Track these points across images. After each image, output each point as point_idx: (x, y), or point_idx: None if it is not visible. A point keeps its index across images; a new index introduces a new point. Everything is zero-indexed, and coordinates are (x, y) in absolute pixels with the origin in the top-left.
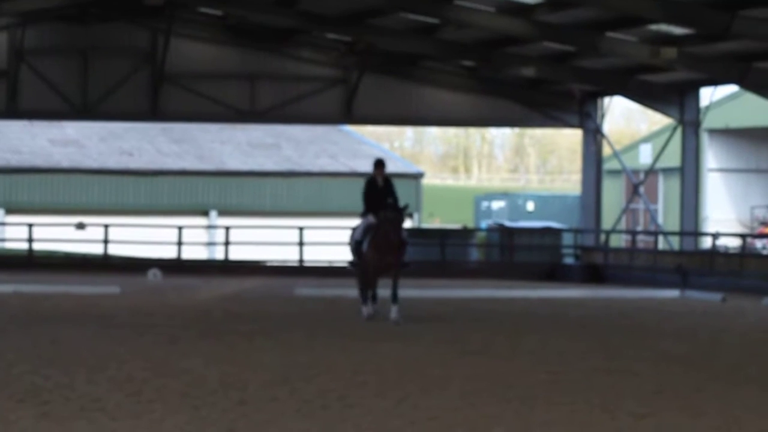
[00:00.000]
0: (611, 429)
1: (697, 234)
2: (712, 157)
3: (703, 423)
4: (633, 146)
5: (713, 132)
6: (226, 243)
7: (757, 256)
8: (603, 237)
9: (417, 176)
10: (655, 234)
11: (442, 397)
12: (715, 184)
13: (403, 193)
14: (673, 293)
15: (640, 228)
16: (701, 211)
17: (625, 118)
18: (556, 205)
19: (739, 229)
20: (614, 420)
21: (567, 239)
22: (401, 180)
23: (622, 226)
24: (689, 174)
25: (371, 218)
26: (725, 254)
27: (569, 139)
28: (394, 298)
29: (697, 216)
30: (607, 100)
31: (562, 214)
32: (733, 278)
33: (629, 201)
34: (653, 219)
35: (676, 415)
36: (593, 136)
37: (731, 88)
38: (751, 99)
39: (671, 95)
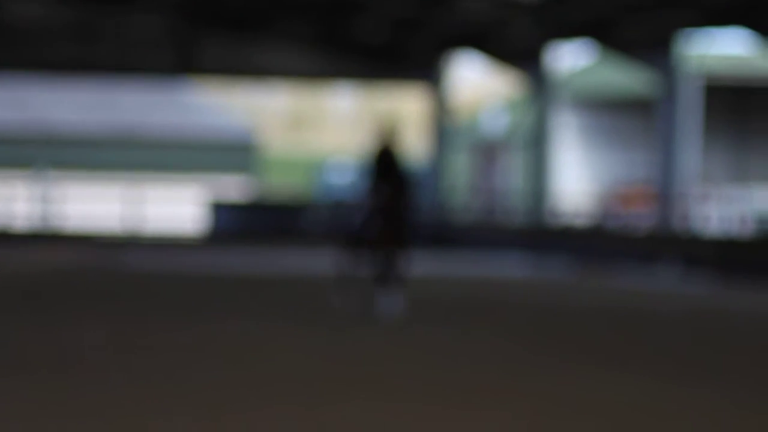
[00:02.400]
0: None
1: (549, 209)
2: (570, 127)
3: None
4: (486, 115)
5: (572, 101)
6: (49, 207)
7: (611, 231)
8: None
9: (255, 146)
10: (503, 209)
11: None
12: (573, 155)
13: (240, 162)
14: (523, 270)
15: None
16: (556, 183)
17: (478, 86)
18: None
19: (597, 202)
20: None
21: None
22: (238, 151)
23: (476, 199)
24: (541, 144)
25: (377, 196)
26: (578, 229)
27: (418, 115)
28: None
29: (546, 188)
30: (460, 63)
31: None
32: (585, 252)
33: (482, 174)
34: (499, 193)
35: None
36: (440, 100)
37: (592, 56)
38: (613, 68)
39: (530, 62)
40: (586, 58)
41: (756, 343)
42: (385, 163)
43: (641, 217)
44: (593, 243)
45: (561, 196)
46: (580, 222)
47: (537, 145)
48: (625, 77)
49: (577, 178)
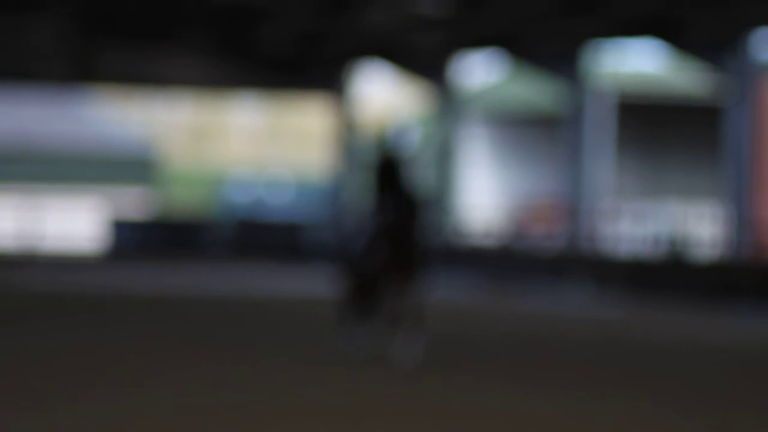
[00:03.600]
0: None
1: (457, 227)
2: (481, 142)
3: None
4: (394, 129)
5: (482, 116)
6: None
7: (520, 250)
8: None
9: (155, 159)
10: None
11: None
12: (482, 170)
13: (139, 176)
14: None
15: None
16: (465, 198)
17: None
18: (309, 191)
19: (506, 219)
20: None
21: (318, 231)
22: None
23: None
24: (449, 159)
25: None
26: (487, 248)
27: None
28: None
29: (454, 205)
30: (367, 77)
31: (313, 204)
32: (494, 272)
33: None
34: None
35: None
36: (345, 114)
37: (502, 70)
38: (524, 83)
39: (438, 75)
40: (497, 73)
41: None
42: (387, 177)
43: (550, 236)
44: (502, 263)
45: (469, 211)
46: (489, 241)
47: (444, 160)
48: (536, 92)
49: (487, 193)
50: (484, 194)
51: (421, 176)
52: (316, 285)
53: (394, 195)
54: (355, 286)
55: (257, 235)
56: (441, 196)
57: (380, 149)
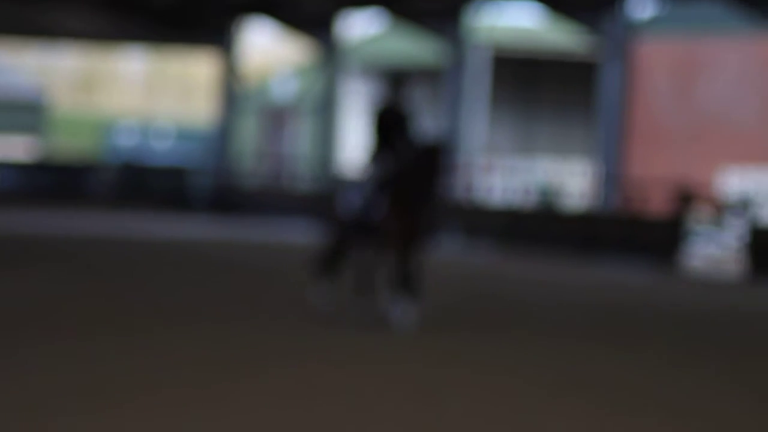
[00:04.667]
0: None
1: (336, 175)
2: (359, 94)
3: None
4: (276, 80)
5: (361, 69)
6: None
7: None
8: (238, 174)
9: (44, 106)
10: (290, 174)
11: None
12: (361, 122)
13: (28, 122)
14: (307, 236)
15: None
16: (343, 150)
17: (269, 52)
18: (193, 140)
19: None
20: None
21: (201, 177)
22: (26, 111)
23: (266, 166)
24: (329, 110)
25: (383, 166)
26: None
27: (208, 80)
28: (406, 287)
29: (333, 155)
30: (251, 28)
31: (197, 151)
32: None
33: (270, 139)
34: (287, 158)
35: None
36: (230, 65)
37: (383, 25)
38: (402, 37)
39: (320, 29)
40: (377, 27)
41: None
42: (390, 127)
43: None
44: None
45: (348, 163)
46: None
47: (325, 111)
48: (414, 46)
49: (364, 145)
50: (363, 146)
51: (301, 126)
52: (198, 228)
53: (396, 148)
54: (337, 242)
55: (142, 180)
56: (217, 143)
57: (385, 97)
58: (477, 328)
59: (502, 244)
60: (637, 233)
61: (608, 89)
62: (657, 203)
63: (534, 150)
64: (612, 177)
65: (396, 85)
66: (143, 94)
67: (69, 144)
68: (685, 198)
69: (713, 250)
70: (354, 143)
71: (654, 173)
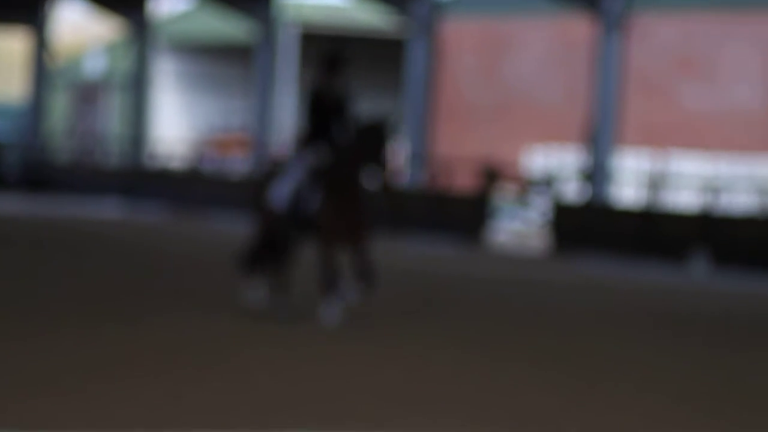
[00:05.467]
0: None
1: (146, 153)
2: (168, 72)
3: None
4: (87, 57)
5: (170, 46)
6: None
7: (207, 175)
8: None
9: None
10: (101, 151)
11: None
12: (170, 100)
13: None
14: (118, 211)
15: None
16: (154, 128)
17: (81, 28)
18: (6, 116)
19: (193, 147)
20: None
21: (12, 153)
22: None
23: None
24: (140, 87)
25: (317, 153)
26: (175, 173)
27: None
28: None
29: (144, 132)
30: (63, 4)
31: (11, 126)
32: (181, 197)
33: (81, 116)
34: (98, 135)
35: None
36: (41, 41)
37: (192, 2)
38: (212, 14)
39: (131, 6)
40: (188, 4)
41: None
42: (325, 111)
43: (237, 163)
44: (189, 187)
45: (158, 140)
46: (177, 166)
47: (135, 88)
48: (224, 24)
49: (175, 123)
50: (173, 123)
51: (111, 103)
52: (8, 204)
53: (332, 133)
54: (265, 234)
55: None
56: (28, 120)
57: (319, 77)
58: None
59: None
60: (443, 210)
61: (415, 68)
62: (463, 181)
63: None
64: (419, 155)
65: (331, 67)
66: None
67: None
68: (491, 175)
69: (518, 226)
70: (165, 121)
71: (462, 151)
